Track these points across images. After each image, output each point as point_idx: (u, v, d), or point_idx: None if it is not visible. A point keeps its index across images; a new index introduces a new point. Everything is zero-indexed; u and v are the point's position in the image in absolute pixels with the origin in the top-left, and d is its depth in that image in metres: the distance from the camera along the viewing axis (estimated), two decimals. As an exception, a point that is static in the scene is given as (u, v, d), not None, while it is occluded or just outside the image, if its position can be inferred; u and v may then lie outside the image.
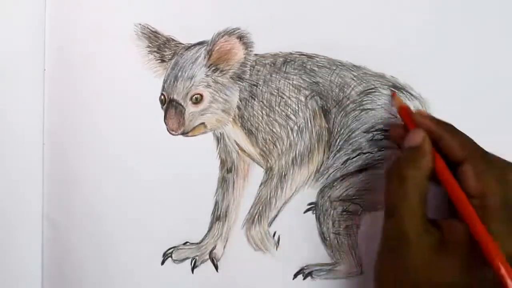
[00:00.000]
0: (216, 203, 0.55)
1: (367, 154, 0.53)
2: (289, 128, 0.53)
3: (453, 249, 0.43)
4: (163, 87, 0.54)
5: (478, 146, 0.46)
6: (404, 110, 0.50)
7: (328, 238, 0.54)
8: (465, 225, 0.43)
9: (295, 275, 0.54)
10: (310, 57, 0.53)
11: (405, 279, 0.43)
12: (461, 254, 0.42)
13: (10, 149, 0.56)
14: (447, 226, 0.44)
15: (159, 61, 0.54)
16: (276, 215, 0.54)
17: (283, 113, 0.53)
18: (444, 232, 0.43)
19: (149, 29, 0.54)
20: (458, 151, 0.45)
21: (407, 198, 0.44)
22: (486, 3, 0.53)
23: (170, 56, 0.54)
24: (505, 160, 0.46)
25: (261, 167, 0.55)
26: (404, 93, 0.53)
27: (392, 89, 0.53)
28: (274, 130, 0.54)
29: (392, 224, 0.44)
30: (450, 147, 0.45)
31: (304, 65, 0.53)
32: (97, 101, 0.55)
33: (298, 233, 0.54)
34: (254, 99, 0.53)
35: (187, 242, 0.55)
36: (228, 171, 0.55)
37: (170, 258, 0.55)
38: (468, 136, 0.46)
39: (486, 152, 0.46)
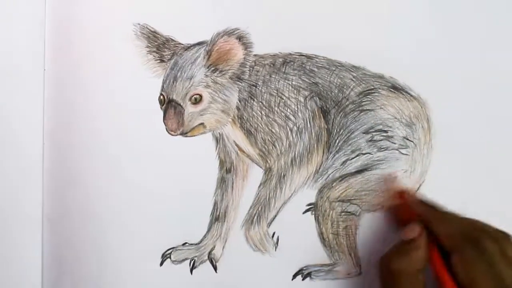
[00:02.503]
0: (215, 203, 0.55)
1: (366, 155, 0.53)
2: (288, 128, 0.53)
3: None
4: (162, 87, 0.54)
5: (465, 233, 0.45)
6: (401, 194, 0.50)
7: (327, 239, 0.53)
8: None
9: (294, 276, 0.54)
10: (309, 57, 0.53)
11: None
12: None
13: (10, 149, 0.56)
14: None
15: (158, 61, 0.54)
16: (275, 216, 0.54)
17: (282, 113, 0.53)
18: None
19: (148, 29, 0.54)
20: (443, 241, 0.45)
21: None
22: (485, 3, 0.53)
23: (169, 56, 0.54)
24: (497, 236, 0.45)
25: (260, 167, 0.55)
26: (403, 94, 0.53)
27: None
28: (273, 130, 0.54)
29: None
30: (437, 236, 0.45)
31: (304, 65, 0.53)
32: (97, 101, 0.55)
33: (297, 233, 0.54)
34: (254, 100, 0.53)
35: (186, 242, 0.55)
36: (227, 171, 0.55)
37: (169, 259, 0.55)
38: (457, 222, 0.46)
39: (477, 236, 0.45)
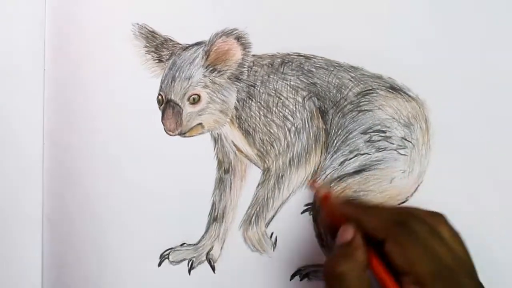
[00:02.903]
0: (213, 204, 0.55)
1: (364, 155, 0.53)
2: (286, 129, 0.53)
3: None
4: (161, 87, 0.54)
5: (396, 219, 0.45)
6: (326, 201, 0.50)
7: (325, 239, 0.53)
8: None
9: (292, 276, 0.54)
10: (307, 58, 0.53)
11: None
12: None
13: (10, 149, 0.56)
14: None
15: (157, 61, 0.54)
16: (273, 216, 0.54)
17: (281, 114, 0.53)
18: None
19: (147, 29, 0.54)
20: (374, 232, 0.44)
21: None
22: (485, 3, 0.53)
23: (167, 56, 0.54)
24: (426, 218, 0.45)
25: (259, 167, 0.55)
26: (401, 94, 0.53)
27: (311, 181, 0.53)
28: (272, 130, 0.54)
29: None
30: (367, 229, 0.45)
31: (302, 66, 0.53)
32: (96, 101, 0.55)
33: (295, 234, 0.54)
34: (252, 100, 0.53)
35: (184, 243, 0.55)
36: (225, 171, 0.55)
37: (167, 260, 0.55)
38: (385, 210, 0.47)
39: (405, 219, 0.44)
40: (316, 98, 0.53)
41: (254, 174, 0.55)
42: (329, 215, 0.48)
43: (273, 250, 0.54)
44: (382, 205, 0.50)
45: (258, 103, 0.53)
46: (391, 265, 0.43)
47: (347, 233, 0.45)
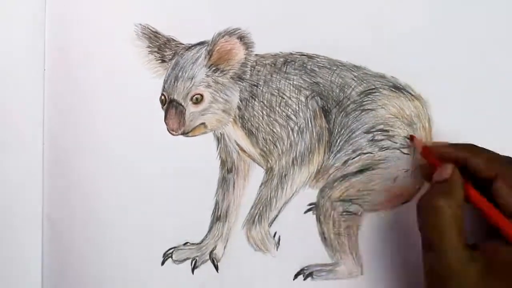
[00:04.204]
0: (217, 203, 0.55)
1: (367, 155, 0.53)
2: (289, 128, 0.53)
3: (501, 271, 0.42)
4: (164, 87, 0.54)
5: (505, 159, 0.45)
6: (426, 150, 0.50)
7: (328, 238, 0.54)
8: (509, 245, 0.43)
9: (296, 276, 0.54)
10: (310, 57, 0.53)
11: None
12: (510, 275, 0.42)
13: (10, 149, 0.56)
14: (490, 249, 0.43)
15: (160, 61, 0.54)
16: (277, 216, 0.54)
17: (284, 113, 0.53)
18: (489, 255, 0.43)
19: (149, 29, 0.54)
20: (485, 170, 0.45)
21: (444, 230, 0.43)
22: (486, 3, 0.53)
23: (170, 56, 0.54)
24: None
25: (262, 167, 0.55)
26: (404, 93, 0.53)
27: (411, 134, 0.53)
28: (275, 130, 0.54)
29: (433, 259, 0.44)
30: (477, 167, 0.45)
31: (305, 65, 0.53)
32: (97, 101, 0.55)
33: (299, 233, 0.54)
34: (255, 99, 0.53)
35: (187, 242, 0.55)
36: (228, 171, 0.55)
37: (170, 259, 0.55)
38: (493, 152, 0.46)
39: None
40: (319, 98, 0.53)
41: (257, 174, 0.55)
42: (434, 162, 0.48)
43: (276, 250, 0.54)
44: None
45: (261, 103, 0.53)
46: (499, 206, 0.44)
47: (446, 171, 0.45)
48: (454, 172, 0.45)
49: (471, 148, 0.47)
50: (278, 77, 0.53)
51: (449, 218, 0.43)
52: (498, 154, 0.47)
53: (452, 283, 0.43)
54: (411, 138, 0.52)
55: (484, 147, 0.47)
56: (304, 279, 0.54)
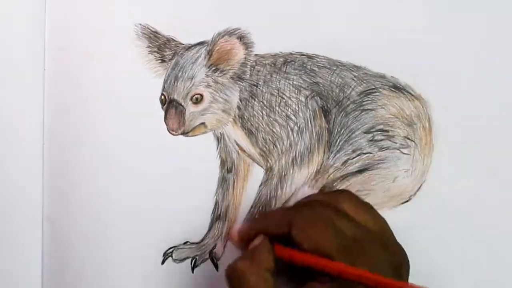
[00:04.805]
0: (216, 202, 0.55)
1: (367, 155, 0.53)
2: (289, 128, 0.53)
3: None
4: (164, 87, 0.54)
5: (295, 207, 0.47)
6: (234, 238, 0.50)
7: None
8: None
9: (296, 275, 0.54)
10: (310, 57, 0.53)
11: None
12: None
13: (10, 149, 0.56)
14: None
15: (160, 61, 0.54)
16: (276, 215, 0.54)
17: (283, 113, 0.53)
18: None
19: (149, 29, 0.54)
20: (280, 228, 0.45)
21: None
22: (486, 3, 0.53)
23: (170, 56, 0.54)
24: (327, 198, 0.47)
25: (261, 167, 0.55)
26: (404, 93, 0.53)
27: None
28: (274, 130, 0.54)
29: None
30: (273, 230, 0.45)
31: (305, 65, 0.53)
32: (97, 101, 0.55)
33: (298, 233, 0.54)
34: (254, 99, 0.54)
35: (187, 241, 0.55)
36: (228, 171, 0.55)
37: (170, 258, 0.55)
38: (284, 207, 0.49)
39: (307, 203, 0.47)
40: (319, 98, 0.53)
41: (257, 173, 0.55)
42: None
43: (276, 249, 0.54)
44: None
45: (261, 103, 0.53)
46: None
47: (255, 241, 0.46)
48: (263, 240, 0.45)
49: (263, 215, 0.50)
50: (278, 77, 0.53)
51: (255, 281, 0.43)
52: (290, 207, 0.48)
53: None
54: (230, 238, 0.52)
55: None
56: (304, 279, 0.54)
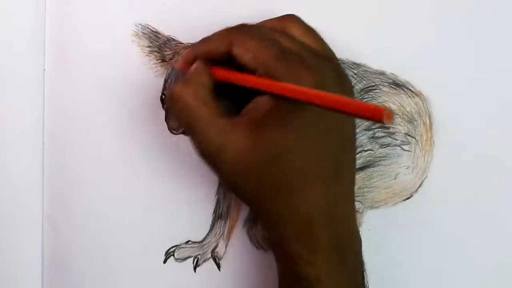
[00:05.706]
0: (218, 201, 0.55)
1: (368, 152, 0.53)
2: (290, 126, 0.53)
3: (268, 121, 0.41)
4: (164, 87, 0.54)
5: (237, 28, 0.45)
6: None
7: None
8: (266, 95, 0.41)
9: (297, 273, 0.54)
10: (310, 55, 0.53)
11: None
12: (278, 122, 0.41)
13: (10, 149, 0.56)
14: (250, 109, 0.42)
15: (160, 61, 0.54)
16: (278, 214, 0.54)
17: (285, 111, 0.53)
18: (251, 115, 0.42)
19: (149, 29, 0.54)
20: (219, 48, 0.44)
21: (190, 114, 0.43)
22: (487, 1, 0.53)
23: (170, 56, 0.54)
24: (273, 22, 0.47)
25: (263, 165, 0.55)
26: (404, 90, 0.53)
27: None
28: (275, 128, 0.54)
29: (196, 143, 0.44)
30: (212, 52, 0.45)
31: (305, 63, 0.53)
32: (97, 101, 0.55)
33: (300, 230, 0.54)
34: (255, 98, 0.54)
35: (189, 241, 0.55)
36: (229, 170, 0.55)
37: (172, 257, 0.55)
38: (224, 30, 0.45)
39: (250, 27, 0.45)
40: (319, 95, 0.53)
41: (258, 172, 0.55)
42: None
43: (278, 247, 0.55)
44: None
45: (262, 101, 0.53)
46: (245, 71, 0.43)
47: (193, 65, 0.45)
48: (197, 63, 0.45)
49: (201, 41, 0.46)
50: (278, 75, 0.53)
51: (191, 99, 0.43)
52: (230, 27, 0.45)
53: (222, 155, 0.42)
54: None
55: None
56: (306, 277, 0.54)
